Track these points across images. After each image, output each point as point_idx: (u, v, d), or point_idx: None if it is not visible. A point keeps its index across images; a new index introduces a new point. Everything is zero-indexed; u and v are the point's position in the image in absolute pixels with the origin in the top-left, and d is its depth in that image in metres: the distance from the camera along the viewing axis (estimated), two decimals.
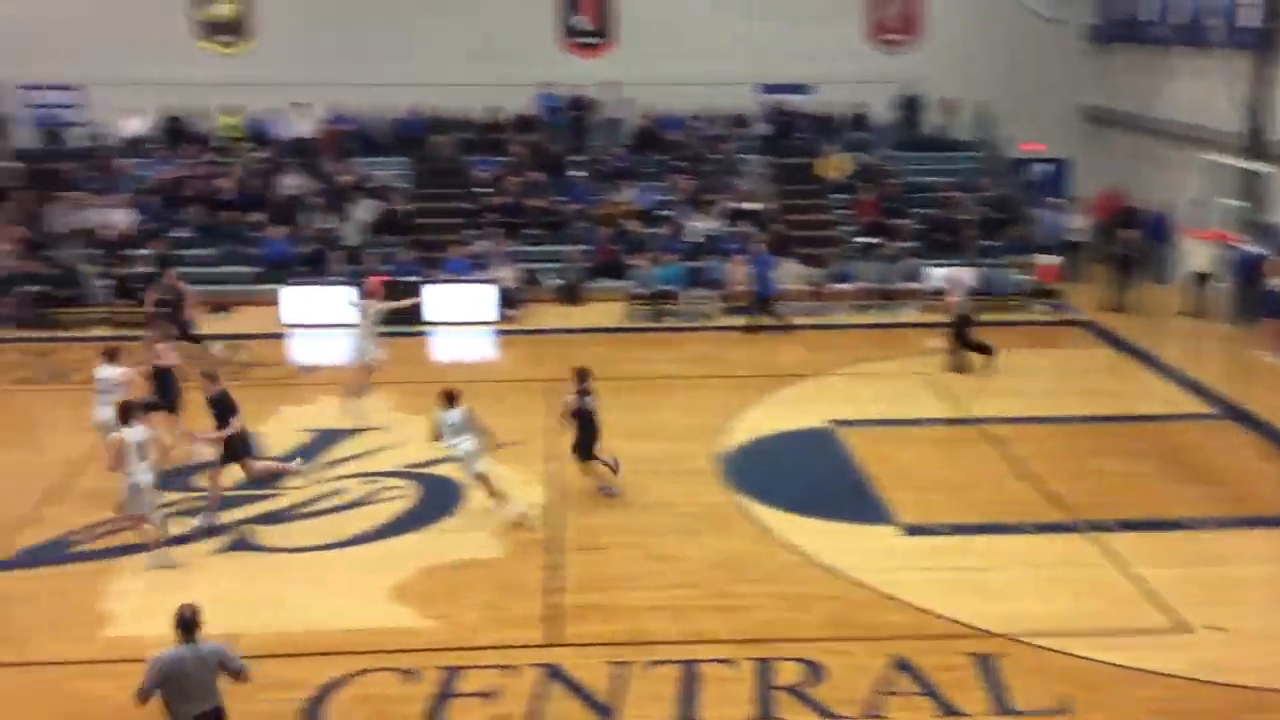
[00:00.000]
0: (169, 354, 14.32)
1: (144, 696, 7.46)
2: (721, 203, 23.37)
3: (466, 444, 12.38)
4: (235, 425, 12.35)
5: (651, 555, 11.80)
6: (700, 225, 22.75)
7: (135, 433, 11.24)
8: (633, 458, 14.38)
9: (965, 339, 17.77)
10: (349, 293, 17.04)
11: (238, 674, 7.66)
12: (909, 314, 21.21)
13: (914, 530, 12.45)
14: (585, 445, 13.28)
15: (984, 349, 17.82)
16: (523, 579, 11.30)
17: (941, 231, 22.74)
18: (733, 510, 12.97)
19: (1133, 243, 21.62)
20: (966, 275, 19.23)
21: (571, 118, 25.20)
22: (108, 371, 13.19)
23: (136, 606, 10.75)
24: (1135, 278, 21.38)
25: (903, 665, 9.77)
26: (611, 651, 9.98)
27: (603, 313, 20.97)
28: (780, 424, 15.70)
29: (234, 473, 13.15)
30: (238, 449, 12.52)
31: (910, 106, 25.81)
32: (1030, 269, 21.83)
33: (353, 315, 16.16)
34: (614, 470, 13.31)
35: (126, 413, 11.34)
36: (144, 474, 11.26)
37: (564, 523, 12.57)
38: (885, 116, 25.83)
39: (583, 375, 13.32)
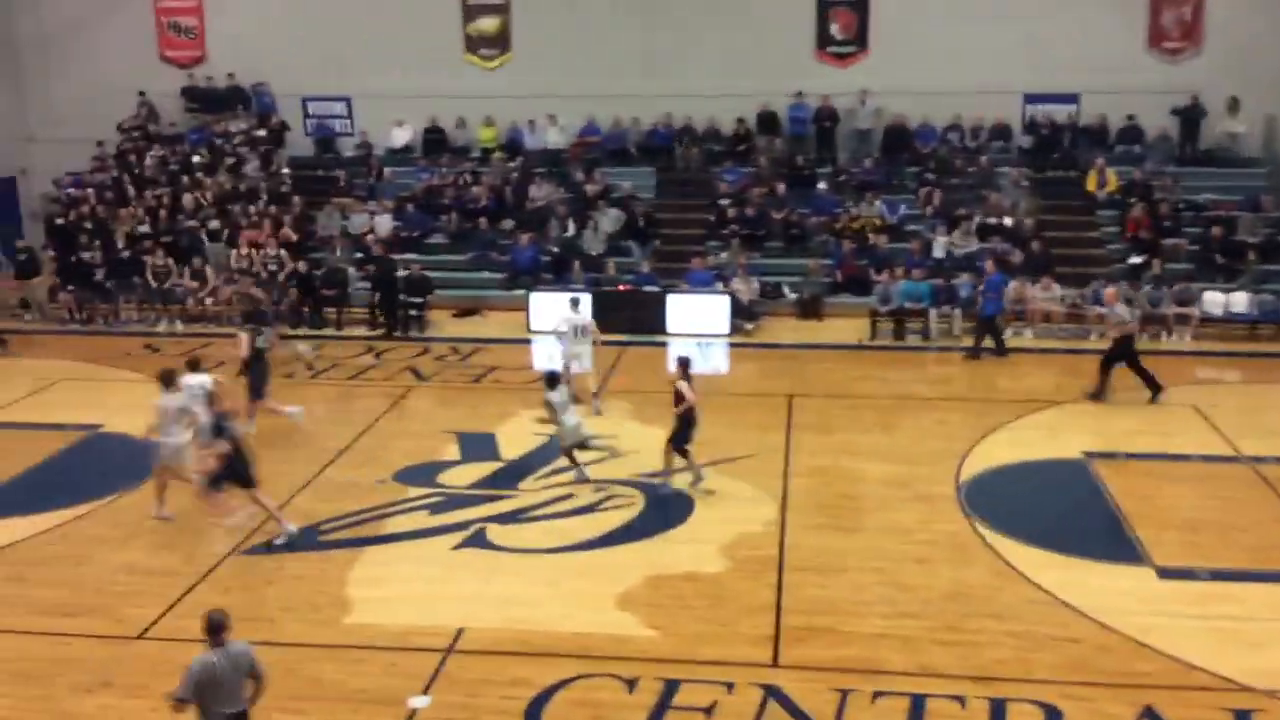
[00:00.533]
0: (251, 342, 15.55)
1: (182, 703, 7.52)
2: (974, 218, 22.48)
3: (571, 418, 13.51)
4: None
5: (883, 581, 11.37)
6: (950, 241, 21.95)
7: (174, 398, 12.58)
8: (868, 479, 13.99)
9: (1131, 366, 16.39)
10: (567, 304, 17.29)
11: (259, 678, 7.79)
12: (1178, 341, 19.77)
13: (1169, 573, 11.49)
14: (682, 436, 13.35)
15: (1153, 383, 16.35)
16: (748, 595, 11.11)
17: (1218, 253, 21.08)
18: (971, 540, 12.35)
19: None
20: (1122, 301, 17.56)
21: (819, 128, 24.84)
22: (192, 379, 13.53)
23: (376, 596, 11.20)
24: None
25: (1150, 717, 9.00)
26: (836, 678, 9.65)
27: (843, 329, 20.52)
28: (1028, 452, 14.87)
29: (471, 472, 13.64)
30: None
31: (1188, 118, 24.02)
32: None
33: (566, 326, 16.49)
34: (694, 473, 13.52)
35: (169, 379, 12.65)
36: (180, 437, 12.55)
37: (794, 541, 12.29)
38: (1160, 129, 24.11)
39: (685, 364, 13.53)
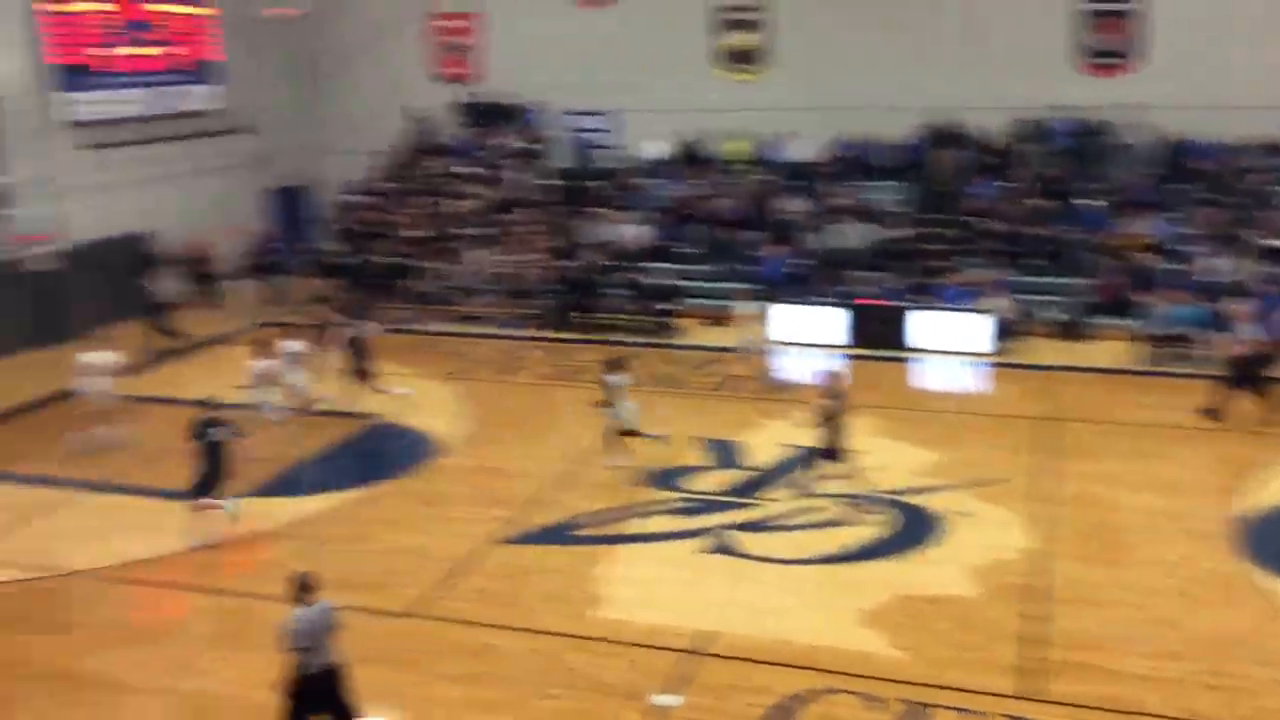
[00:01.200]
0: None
1: (292, 653, 8.53)
2: (1253, 239, 21.08)
3: (627, 404, 14.36)
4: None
5: (1143, 618, 10.91)
6: (1225, 263, 20.66)
7: (261, 365, 15.58)
8: (1129, 509, 13.46)
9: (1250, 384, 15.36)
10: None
11: (337, 631, 8.67)
12: None
13: None
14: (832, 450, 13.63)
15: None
16: (998, 622, 10.89)
17: None
18: (1243, 580, 11.67)
19: None
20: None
21: (1083, 142, 23.84)
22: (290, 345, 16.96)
23: (625, 593, 11.63)
24: None
25: None
26: (1088, 715, 9.37)
27: (1105, 351, 19.65)
28: None
29: (718, 478, 13.92)
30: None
31: None
32: None
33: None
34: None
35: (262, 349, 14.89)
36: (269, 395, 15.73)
37: (1048, 569, 11.95)
38: None
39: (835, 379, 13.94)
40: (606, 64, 26.26)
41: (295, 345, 17.20)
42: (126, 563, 12.50)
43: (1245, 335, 15.98)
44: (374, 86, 28.02)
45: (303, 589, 8.63)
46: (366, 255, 23.87)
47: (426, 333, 21.78)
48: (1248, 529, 12.79)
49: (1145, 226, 21.87)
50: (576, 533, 13.14)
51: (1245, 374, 16.12)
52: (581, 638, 10.76)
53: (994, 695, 9.68)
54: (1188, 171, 23.10)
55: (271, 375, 16.59)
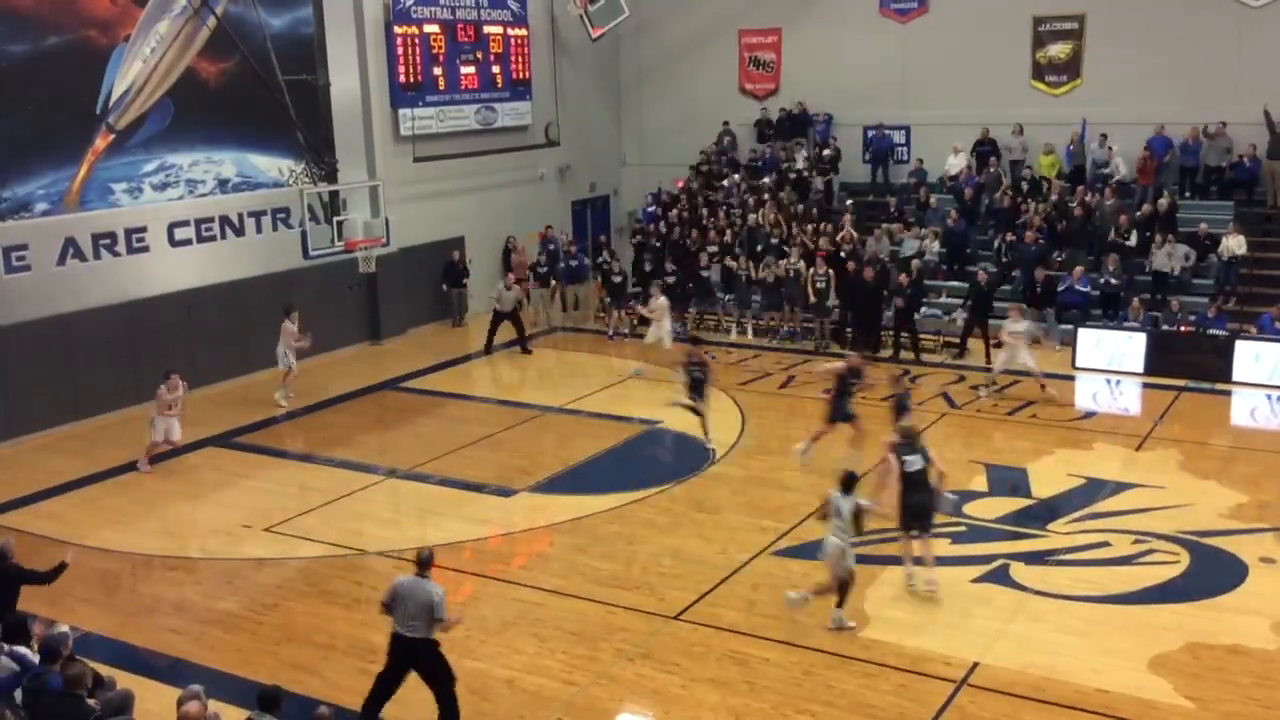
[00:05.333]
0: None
1: (383, 606, 9.27)
2: None
3: (840, 537, 10.95)
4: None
5: None
6: None
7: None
8: None
9: None
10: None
11: (438, 622, 9.08)
12: None
13: None
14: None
15: None
16: None
17: None
18: None
19: None
20: None
21: None
22: None
23: (895, 616, 11.41)
24: None
25: None
26: None
27: None
28: None
29: (998, 505, 13.42)
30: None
31: None
32: None
33: None
34: None
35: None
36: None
37: None
38: None
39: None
40: (911, 77, 25.83)
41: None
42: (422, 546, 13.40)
43: None
44: (678, 102, 28.76)
45: (418, 563, 9.32)
46: (665, 266, 24.46)
47: (716, 344, 22.08)
48: None
49: None
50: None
51: None
52: (846, 657, 10.65)
53: None
54: None
55: None
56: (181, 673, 10.20)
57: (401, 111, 23.61)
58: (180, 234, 19.93)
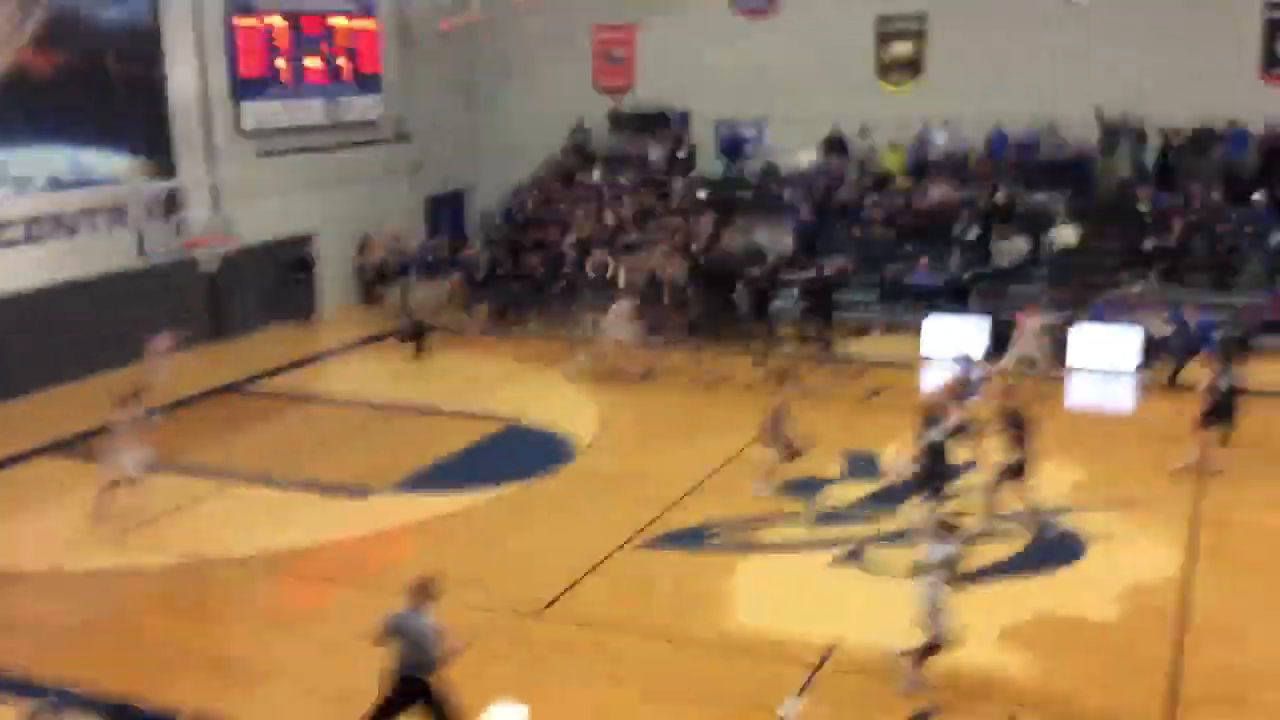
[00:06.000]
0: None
1: (377, 639, 8.48)
2: None
3: (937, 589, 9.63)
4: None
5: None
6: None
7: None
8: None
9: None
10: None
11: (433, 658, 8.33)
12: None
13: None
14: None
15: None
16: (1143, 651, 10.41)
17: None
18: None
19: None
20: None
21: (1265, 156, 22.53)
22: None
23: (755, 602, 11.54)
24: None
25: None
26: None
27: (1275, 372, 18.59)
28: None
29: (853, 489, 13.69)
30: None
31: None
32: None
33: None
34: None
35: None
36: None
37: (1197, 598, 11.36)
38: None
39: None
40: (762, 74, 26.22)
41: None
42: (271, 553, 13.01)
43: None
44: (532, 97, 28.58)
45: (409, 591, 8.58)
46: (517, 261, 24.30)
47: (568, 338, 22.02)
48: None
49: None
50: (710, 540, 13.10)
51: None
52: (708, 645, 10.73)
53: None
54: None
55: None
56: (27, 689, 9.70)
57: (244, 105, 22.87)
58: (8, 234, 18.88)
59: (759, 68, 26.28)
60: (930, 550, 9.77)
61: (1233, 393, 14.76)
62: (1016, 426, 12.86)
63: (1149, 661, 10.23)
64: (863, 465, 15.24)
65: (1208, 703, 9.57)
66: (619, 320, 20.03)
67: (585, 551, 12.70)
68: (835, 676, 10.09)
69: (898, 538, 12.93)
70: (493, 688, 9.31)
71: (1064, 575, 12.04)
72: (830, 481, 14.66)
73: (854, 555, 12.54)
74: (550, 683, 10.10)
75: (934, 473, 13.01)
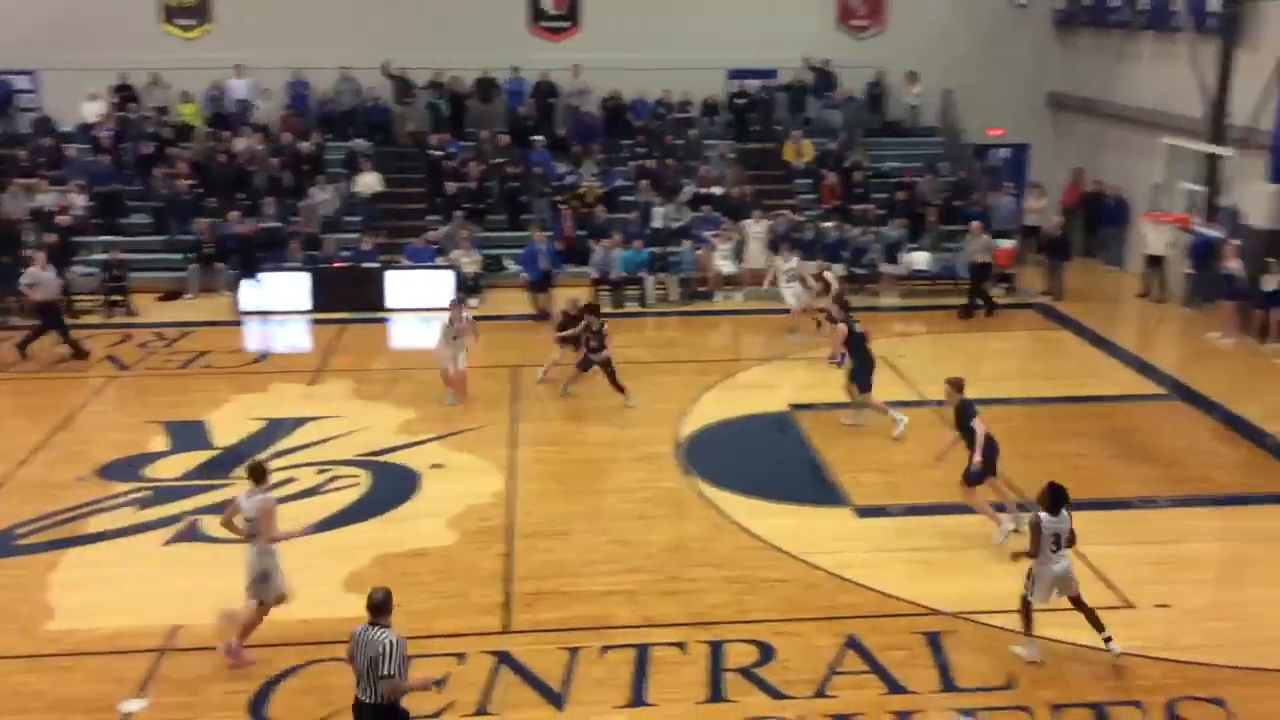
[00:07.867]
0: None
1: (348, 658, 7.83)
2: (686, 188, 23.25)
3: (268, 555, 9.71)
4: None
5: (608, 540, 11.77)
6: (665, 210, 22.63)
7: None
8: (593, 444, 14.46)
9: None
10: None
11: (385, 677, 7.51)
12: (887, 298, 21.49)
13: (867, 512, 12.50)
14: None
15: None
16: (480, 566, 11.25)
17: (903, 216, 22.66)
18: (690, 495, 12.94)
19: (1062, 228, 21.98)
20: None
21: (539, 102, 24.91)
22: None
23: (82, 600, 10.64)
24: (1064, 262, 21.67)
25: (853, 645, 9.81)
26: (565, 637, 9.96)
27: (566, 298, 20.73)
28: (739, 408, 15.69)
29: (181, 462, 13.06)
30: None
31: (875, 92, 25.69)
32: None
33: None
34: None
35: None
36: None
37: (522, 510, 12.51)
38: (850, 97, 25.63)
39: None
40: (33, 20, 23.46)
41: None
42: None
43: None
44: None
45: (367, 606, 7.72)
46: None
47: None
48: (691, 448, 14.20)
49: (594, 180, 23.32)
50: (19, 542, 11.76)
51: None
52: (34, 656, 9.70)
53: (476, 635, 10.00)
54: (631, 128, 24.95)
55: None
56: None
57: None
58: None
59: (33, 13, 23.58)
60: (243, 502, 9.67)
61: None
62: None
63: (486, 572, 11.09)
64: (188, 434, 14.57)
65: (535, 599, 10.62)
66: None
67: None
68: (183, 658, 9.66)
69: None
70: None
71: (404, 511, 12.56)
72: (157, 456, 13.85)
73: (190, 530, 12.01)
74: None
75: None
